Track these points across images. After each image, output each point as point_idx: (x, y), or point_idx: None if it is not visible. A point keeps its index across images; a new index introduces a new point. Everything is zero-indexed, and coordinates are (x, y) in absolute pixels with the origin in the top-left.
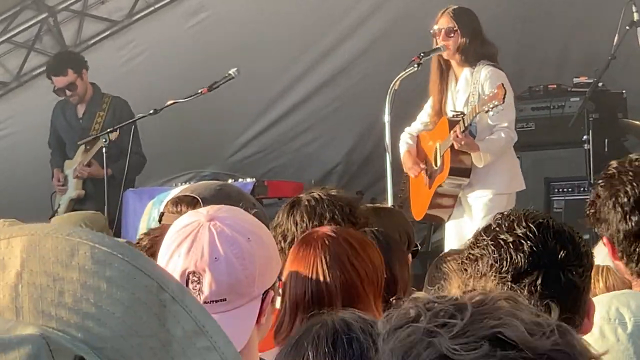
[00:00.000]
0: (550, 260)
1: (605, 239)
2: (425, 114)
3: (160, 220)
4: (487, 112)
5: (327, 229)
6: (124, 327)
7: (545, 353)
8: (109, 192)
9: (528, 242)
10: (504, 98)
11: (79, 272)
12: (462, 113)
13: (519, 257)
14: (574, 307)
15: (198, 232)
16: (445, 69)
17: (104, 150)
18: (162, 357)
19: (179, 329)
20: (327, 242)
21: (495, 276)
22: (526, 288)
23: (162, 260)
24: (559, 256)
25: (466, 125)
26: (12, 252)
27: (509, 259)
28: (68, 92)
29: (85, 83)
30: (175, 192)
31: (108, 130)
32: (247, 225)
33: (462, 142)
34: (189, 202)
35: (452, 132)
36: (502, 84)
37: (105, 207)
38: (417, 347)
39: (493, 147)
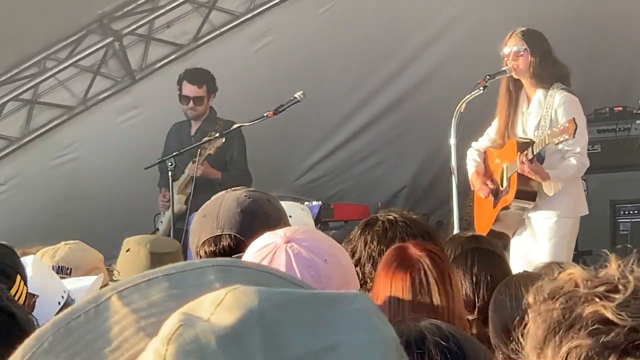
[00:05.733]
0: None
1: None
2: (493, 130)
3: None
4: (556, 144)
5: (417, 251)
6: None
7: None
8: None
9: None
10: (574, 133)
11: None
12: (532, 140)
13: None
14: None
15: (275, 255)
16: (514, 92)
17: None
18: None
19: None
20: (424, 263)
21: None
22: None
23: None
24: None
25: (534, 154)
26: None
27: None
28: (191, 104)
29: (208, 106)
30: None
31: (212, 137)
32: (324, 247)
33: (527, 170)
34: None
35: (518, 158)
36: (574, 119)
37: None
38: (577, 309)
39: (564, 175)
